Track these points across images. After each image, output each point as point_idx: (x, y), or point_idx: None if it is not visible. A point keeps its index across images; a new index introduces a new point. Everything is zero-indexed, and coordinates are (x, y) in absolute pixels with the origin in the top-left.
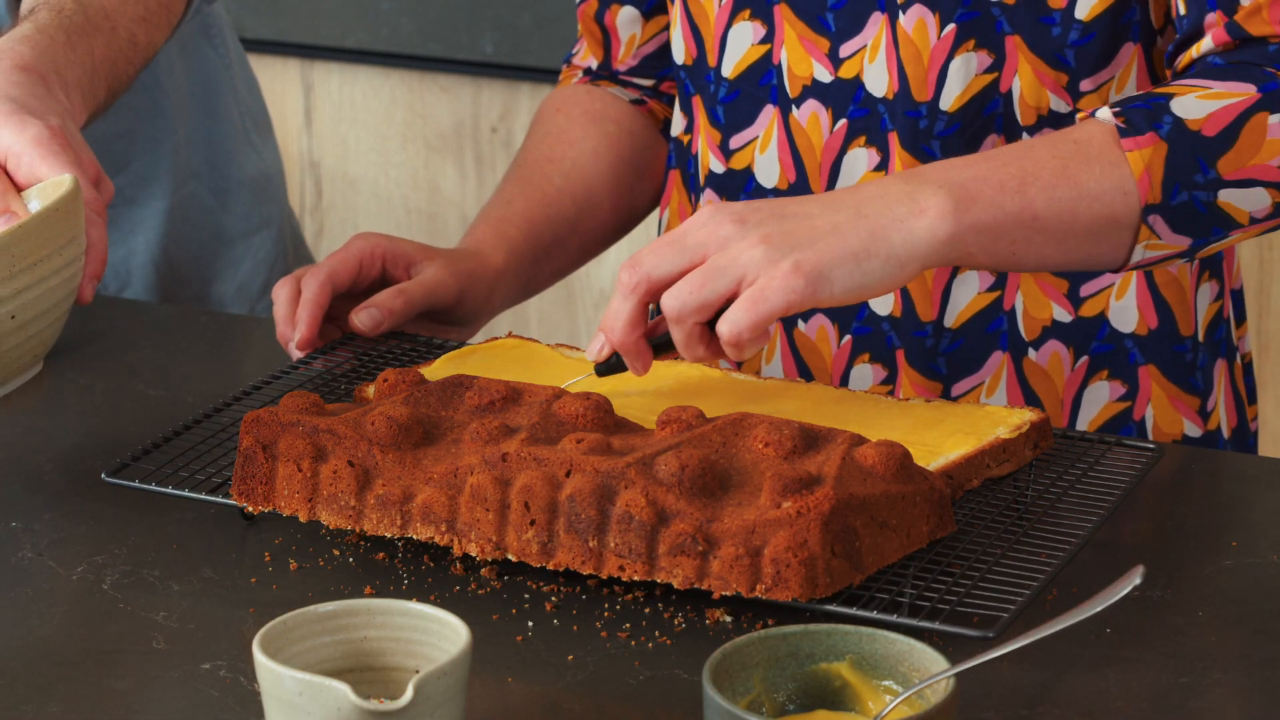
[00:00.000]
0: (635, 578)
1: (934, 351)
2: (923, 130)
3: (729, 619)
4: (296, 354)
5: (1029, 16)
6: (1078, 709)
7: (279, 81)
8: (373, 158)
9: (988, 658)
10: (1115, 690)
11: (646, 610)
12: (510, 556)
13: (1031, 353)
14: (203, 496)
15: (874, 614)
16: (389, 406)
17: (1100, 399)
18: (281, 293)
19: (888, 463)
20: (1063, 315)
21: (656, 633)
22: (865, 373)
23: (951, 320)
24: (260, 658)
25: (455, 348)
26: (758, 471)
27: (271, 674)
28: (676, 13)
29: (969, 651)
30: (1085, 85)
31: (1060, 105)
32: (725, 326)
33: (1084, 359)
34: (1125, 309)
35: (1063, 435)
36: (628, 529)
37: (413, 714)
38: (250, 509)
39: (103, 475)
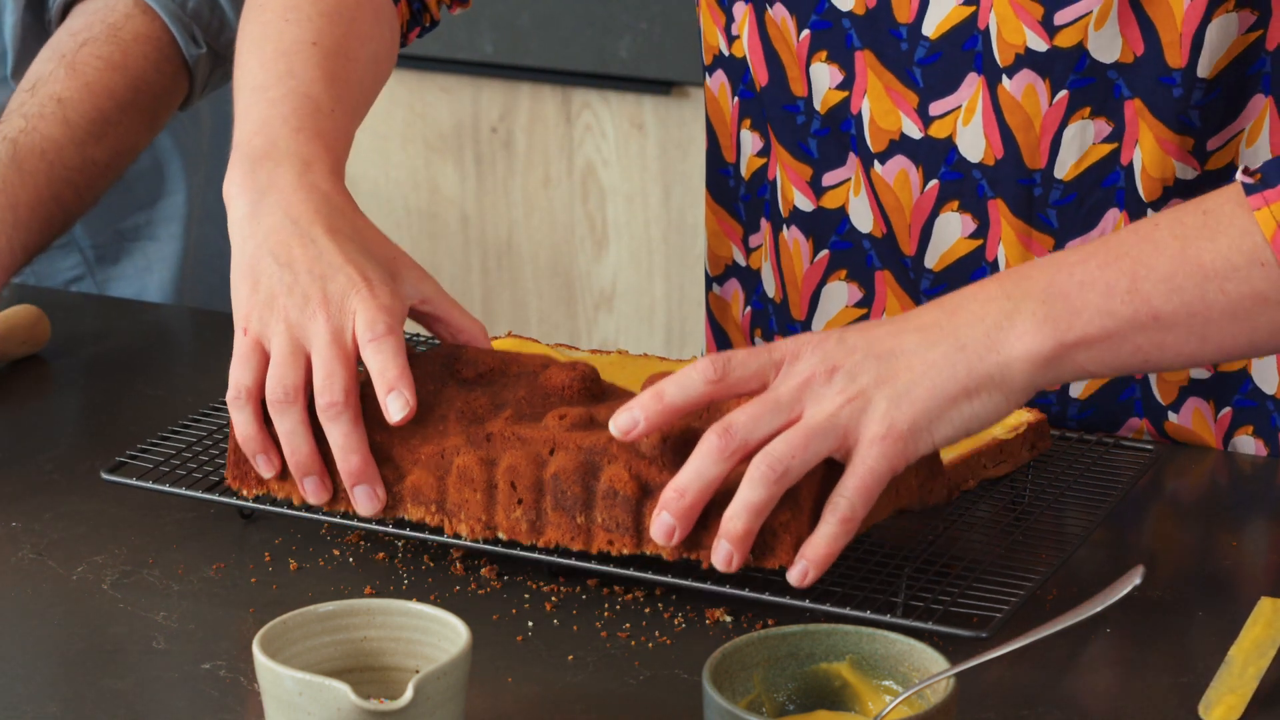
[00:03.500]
0: (625, 551)
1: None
2: (1038, 198)
3: (729, 619)
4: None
5: (1149, 76)
6: (1078, 709)
7: None
8: (373, 158)
9: (988, 658)
10: (1115, 690)
11: (646, 610)
12: (501, 535)
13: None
14: (201, 495)
15: (868, 614)
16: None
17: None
18: (242, 415)
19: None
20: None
21: (656, 633)
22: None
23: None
24: (260, 658)
25: None
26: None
27: (271, 674)
28: (746, 26)
29: (968, 651)
30: (1212, 144)
31: (1187, 172)
32: (842, 505)
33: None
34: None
35: (1060, 436)
36: (613, 504)
37: (413, 714)
38: (245, 493)
39: (102, 474)
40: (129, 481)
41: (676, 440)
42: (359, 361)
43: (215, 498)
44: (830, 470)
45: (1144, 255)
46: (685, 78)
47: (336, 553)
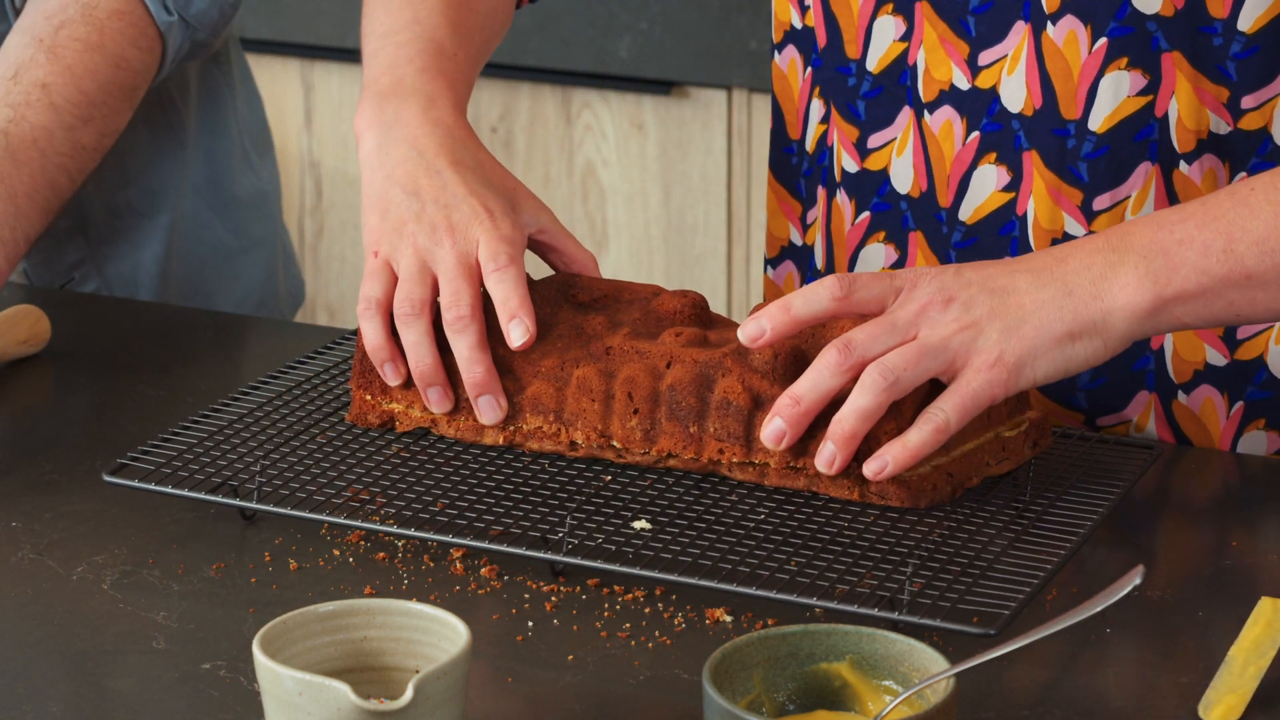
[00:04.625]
0: (734, 460)
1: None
2: (1070, 150)
3: (729, 619)
4: (479, 374)
5: (1188, 27)
6: (1078, 709)
7: (279, 81)
8: None
9: (988, 657)
10: (1115, 690)
11: (646, 610)
12: (615, 444)
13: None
14: (203, 496)
15: (874, 611)
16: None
17: None
18: (372, 326)
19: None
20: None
21: (656, 633)
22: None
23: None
24: (260, 658)
25: None
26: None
27: (271, 674)
28: None
29: (969, 651)
30: (1247, 102)
31: (1220, 125)
32: (938, 416)
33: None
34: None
35: (1062, 434)
36: (726, 414)
37: (413, 714)
38: (370, 399)
39: (104, 475)
40: (131, 483)
41: (787, 356)
42: (480, 285)
43: (217, 499)
44: (934, 392)
45: (1239, 218)
46: (685, 78)
47: (336, 553)
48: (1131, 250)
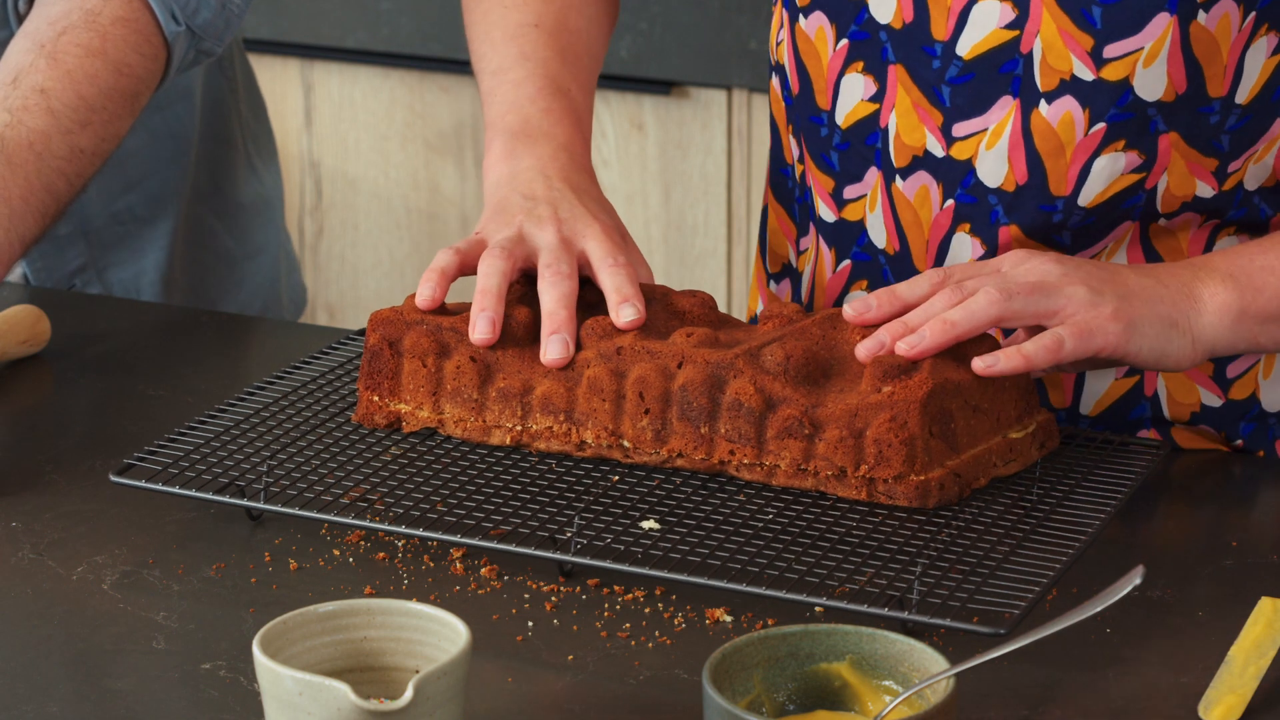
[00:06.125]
0: (745, 461)
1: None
2: (1055, 224)
3: (729, 619)
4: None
5: (1188, 109)
6: (1078, 709)
7: (279, 81)
8: (373, 158)
9: (988, 658)
10: (1115, 690)
11: (646, 610)
12: (625, 444)
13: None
14: (210, 496)
15: (883, 611)
16: (507, 306)
17: None
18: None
19: (979, 350)
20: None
21: (656, 633)
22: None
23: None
24: (260, 658)
25: None
26: (857, 360)
27: (271, 674)
28: (783, 33)
29: (971, 650)
30: (1233, 166)
31: (1206, 190)
32: (1053, 336)
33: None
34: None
35: (1068, 435)
36: (737, 415)
37: (413, 714)
38: (377, 400)
39: (110, 476)
40: (137, 484)
41: (799, 358)
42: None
43: (225, 499)
44: (944, 407)
45: None
46: (685, 78)
47: (336, 553)
48: (1215, 270)
